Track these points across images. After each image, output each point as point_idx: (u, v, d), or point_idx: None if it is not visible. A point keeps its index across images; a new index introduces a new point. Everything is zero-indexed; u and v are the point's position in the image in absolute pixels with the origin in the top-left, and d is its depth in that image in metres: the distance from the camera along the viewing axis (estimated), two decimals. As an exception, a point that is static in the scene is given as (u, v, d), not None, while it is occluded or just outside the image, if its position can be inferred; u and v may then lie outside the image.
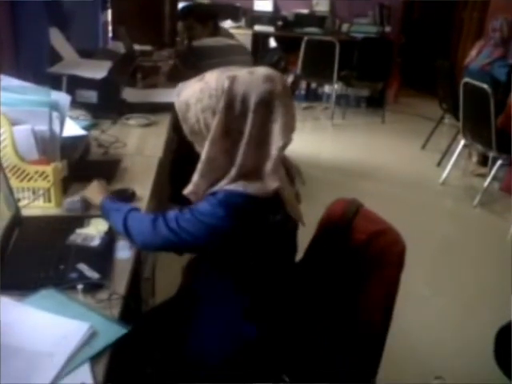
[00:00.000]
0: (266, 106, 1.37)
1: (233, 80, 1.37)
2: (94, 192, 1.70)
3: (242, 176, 1.39)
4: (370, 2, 6.96)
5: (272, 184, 1.40)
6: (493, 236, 3.97)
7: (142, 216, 1.53)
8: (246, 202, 1.38)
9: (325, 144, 5.60)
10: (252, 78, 1.38)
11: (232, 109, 1.36)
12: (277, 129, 1.39)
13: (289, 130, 1.41)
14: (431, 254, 3.62)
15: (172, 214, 1.44)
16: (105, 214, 1.59)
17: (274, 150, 1.39)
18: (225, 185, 1.40)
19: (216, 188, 1.40)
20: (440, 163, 5.11)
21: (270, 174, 1.40)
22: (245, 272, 1.49)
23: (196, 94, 1.40)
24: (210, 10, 3.88)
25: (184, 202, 1.86)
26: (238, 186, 1.38)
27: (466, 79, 4.44)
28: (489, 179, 4.37)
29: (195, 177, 1.43)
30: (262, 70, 1.42)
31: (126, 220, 1.50)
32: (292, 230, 1.58)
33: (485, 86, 4.15)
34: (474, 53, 5.17)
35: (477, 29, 7.55)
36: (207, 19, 3.55)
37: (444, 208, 4.45)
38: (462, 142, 4.69)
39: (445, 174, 4.76)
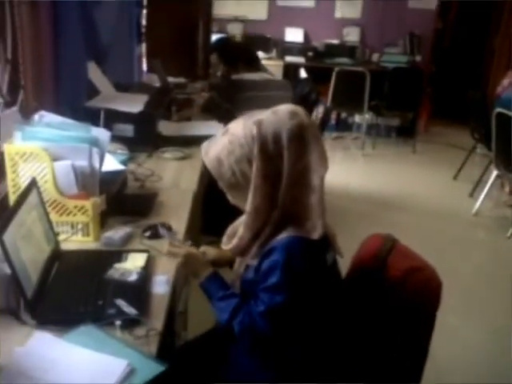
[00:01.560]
0: (298, 140, 1.38)
1: (260, 124, 1.38)
2: (194, 265, 1.58)
3: (286, 217, 1.39)
4: (401, 31, 6.99)
5: (321, 221, 1.40)
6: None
7: (246, 321, 1.43)
8: (307, 248, 1.38)
9: (355, 174, 5.58)
10: (278, 118, 1.40)
11: (266, 152, 1.37)
12: (314, 159, 1.39)
13: (324, 158, 1.42)
14: (464, 285, 3.56)
15: (260, 301, 1.40)
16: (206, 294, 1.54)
17: (315, 181, 1.39)
18: (270, 232, 1.39)
19: (263, 238, 1.40)
20: (472, 194, 5.05)
21: (315, 208, 1.40)
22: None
23: (226, 147, 1.40)
24: (247, 47, 3.89)
25: (215, 233, 1.87)
26: (290, 233, 1.37)
27: (499, 109, 4.41)
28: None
29: (241, 230, 1.42)
30: (284, 108, 1.43)
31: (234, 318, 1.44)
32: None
33: (518, 116, 4.12)
34: (506, 82, 5.14)
35: (508, 57, 7.51)
36: (243, 56, 3.58)
37: (477, 239, 4.39)
38: (495, 173, 4.64)
39: (477, 205, 4.70)
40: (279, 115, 1.41)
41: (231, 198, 1.49)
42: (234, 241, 1.45)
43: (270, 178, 1.38)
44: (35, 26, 2.35)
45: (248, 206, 1.39)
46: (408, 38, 7.00)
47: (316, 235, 1.38)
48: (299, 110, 1.44)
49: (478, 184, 5.03)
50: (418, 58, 6.92)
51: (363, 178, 5.51)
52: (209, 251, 1.70)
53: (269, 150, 1.37)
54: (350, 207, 4.62)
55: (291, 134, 1.37)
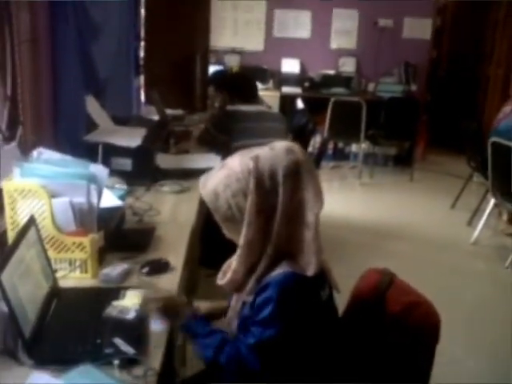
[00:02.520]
0: (294, 176, 1.40)
1: (257, 159, 1.41)
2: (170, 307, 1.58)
3: (280, 252, 1.40)
4: (396, 60, 7.07)
5: (316, 257, 1.40)
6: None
7: (234, 350, 1.43)
8: (302, 284, 1.39)
9: (353, 204, 5.59)
10: (274, 154, 1.42)
11: (262, 187, 1.39)
12: (309, 196, 1.41)
13: (320, 194, 1.43)
14: (463, 315, 3.54)
15: (250, 335, 1.40)
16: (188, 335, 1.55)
17: (310, 217, 1.41)
18: (265, 265, 1.40)
19: (258, 273, 1.41)
20: (470, 222, 5.05)
21: (310, 244, 1.41)
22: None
23: (223, 181, 1.42)
24: (244, 79, 3.93)
25: (214, 265, 1.87)
26: (285, 269, 1.38)
27: (494, 138, 4.44)
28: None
29: (234, 264, 1.44)
30: (281, 144, 1.46)
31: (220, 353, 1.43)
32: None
33: (512, 145, 4.15)
34: (507, 109, 5.17)
35: (503, 85, 7.60)
36: (239, 87, 3.62)
37: (475, 269, 4.37)
38: (492, 201, 4.65)
39: (475, 234, 4.70)
40: (276, 151, 1.43)
41: (226, 232, 1.50)
42: (229, 275, 1.46)
43: (264, 212, 1.39)
44: (34, 63, 2.39)
45: (241, 239, 1.41)
46: (403, 67, 7.09)
47: (311, 272, 1.39)
48: (295, 146, 1.47)
49: (476, 213, 5.04)
50: (414, 88, 6.99)
51: (361, 207, 5.51)
52: (201, 305, 1.71)
53: (264, 186, 1.39)
54: (348, 237, 4.62)
55: (287, 171, 1.40)
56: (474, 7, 7.97)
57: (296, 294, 1.38)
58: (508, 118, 5.05)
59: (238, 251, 1.43)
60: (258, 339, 1.38)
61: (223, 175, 1.43)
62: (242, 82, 3.75)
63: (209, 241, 2.98)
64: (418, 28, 7.20)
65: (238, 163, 1.43)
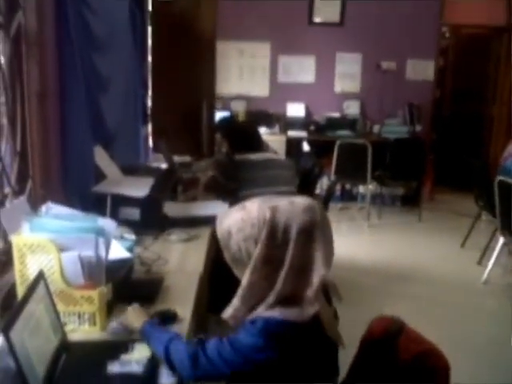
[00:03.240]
0: (307, 235, 1.41)
1: (274, 210, 1.42)
2: (133, 317, 1.73)
3: (281, 302, 1.42)
4: (399, 102, 7.15)
5: (311, 309, 1.42)
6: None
7: (183, 347, 1.53)
8: (286, 330, 1.39)
9: (361, 245, 5.58)
10: (293, 209, 1.44)
11: (274, 238, 1.41)
12: (319, 258, 1.42)
13: (329, 259, 1.45)
14: (476, 355, 3.49)
15: (212, 345, 1.46)
16: (146, 340, 1.62)
17: (315, 278, 1.41)
18: (263, 311, 1.42)
19: (254, 315, 1.42)
20: (481, 261, 5.02)
21: (309, 301, 1.42)
22: None
23: (238, 224, 1.45)
24: (250, 129, 3.98)
25: (222, 311, 1.87)
26: (276, 313, 1.40)
27: (500, 177, 4.45)
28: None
29: (235, 301, 1.46)
30: (301, 201, 1.47)
31: (167, 351, 1.52)
32: (332, 351, 1.57)
33: (520, 184, 4.15)
34: (512, 148, 5.21)
35: (507, 123, 7.66)
36: (246, 137, 3.66)
37: (487, 308, 4.32)
38: (502, 240, 4.63)
39: (486, 273, 4.67)
40: (295, 207, 1.45)
41: (233, 269, 1.52)
42: (230, 310, 1.47)
43: (271, 263, 1.41)
44: (43, 117, 2.44)
45: (244, 280, 1.44)
46: (407, 108, 7.16)
47: (301, 320, 1.40)
48: (316, 206, 1.48)
49: (486, 251, 5.00)
50: (419, 128, 7.04)
51: (370, 249, 5.49)
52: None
53: (276, 238, 1.41)
54: (357, 280, 4.59)
55: (301, 228, 1.41)
56: (475, 46, 8.09)
57: (276, 337, 1.39)
58: (515, 155, 5.08)
59: (240, 291, 1.45)
60: (209, 351, 1.45)
61: (240, 217, 1.46)
62: (245, 132, 3.79)
63: (217, 287, 2.99)
64: (421, 69, 7.32)
65: (256, 209, 1.45)
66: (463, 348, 3.56)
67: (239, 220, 1.45)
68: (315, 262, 1.42)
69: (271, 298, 1.42)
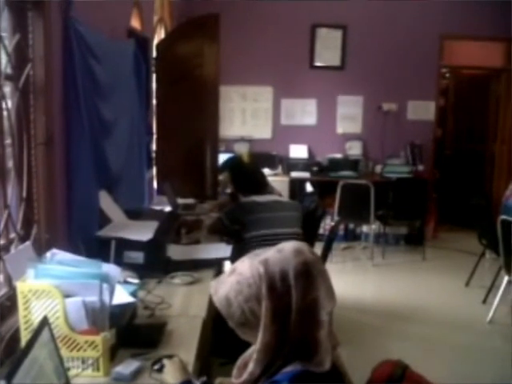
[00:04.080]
0: (305, 277, 1.42)
1: (266, 263, 1.42)
2: (170, 372, 1.72)
3: (297, 353, 1.40)
4: (401, 142, 7.24)
5: (329, 357, 1.41)
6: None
7: None
8: (312, 381, 1.38)
9: (366, 285, 5.57)
10: (283, 256, 1.43)
11: (275, 290, 1.39)
12: (322, 294, 1.42)
13: (331, 292, 1.45)
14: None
15: None
16: None
17: (324, 316, 1.41)
18: (279, 366, 1.40)
19: (271, 372, 1.40)
20: (485, 300, 5.00)
21: (324, 342, 1.41)
22: None
23: (234, 287, 1.43)
24: (256, 171, 4.02)
25: (226, 354, 1.87)
26: (298, 367, 1.38)
27: (503, 217, 4.47)
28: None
29: (251, 367, 1.42)
30: (289, 246, 1.47)
31: None
32: None
33: (523, 222, 4.17)
34: (514, 186, 5.24)
35: (508, 161, 7.71)
36: (252, 180, 3.70)
37: (493, 349, 4.28)
38: (506, 278, 4.61)
39: (491, 312, 4.64)
40: (284, 253, 1.45)
41: (241, 334, 1.51)
42: (245, 376, 1.45)
43: (279, 315, 1.40)
44: (49, 164, 2.49)
45: (258, 343, 1.40)
46: (409, 148, 7.24)
47: (323, 369, 1.39)
48: (304, 247, 1.49)
49: (491, 290, 4.99)
50: (421, 167, 7.10)
51: (374, 288, 5.48)
52: (224, 381, 1.71)
53: (277, 289, 1.40)
54: (362, 320, 4.57)
55: (297, 272, 1.41)
56: (475, 87, 8.23)
57: None
58: (517, 194, 5.11)
59: (255, 355, 1.41)
60: None
61: (234, 281, 1.44)
62: (251, 174, 3.83)
63: (220, 330, 2.98)
64: (422, 110, 7.42)
65: (248, 268, 1.44)
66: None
67: (234, 284, 1.43)
68: (320, 300, 1.42)
69: (286, 350, 1.39)
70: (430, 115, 7.47)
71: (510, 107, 7.70)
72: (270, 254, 1.46)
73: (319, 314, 1.41)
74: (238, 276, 1.45)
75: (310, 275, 1.43)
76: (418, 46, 7.23)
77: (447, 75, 8.55)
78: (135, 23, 4.45)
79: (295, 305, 1.40)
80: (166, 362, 1.76)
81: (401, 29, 7.17)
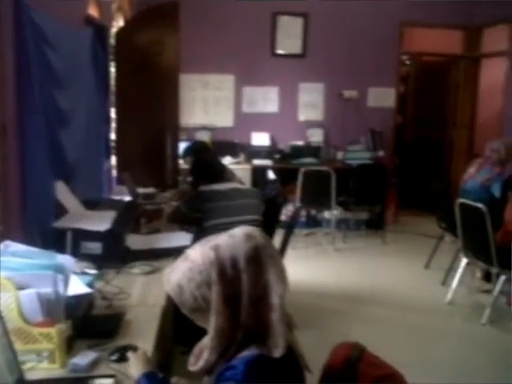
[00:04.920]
0: (255, 262, 1.43)
1: (217, 249, 1.43)
2: (133, 364, 1.69)
3: (251, 337, 1.42)
4: (362, 129, 7.32)
5: (282, 340, 1.43)
6: (505, 353, 3.90)
7: None
8: (269, 365, 1.39)
9: (328, 270, 5.62)
10: (234, 241, 1.45)
11: (225, 276, 1.41)
12: (273, 278, 1.44)
13: (283, 276, 1.47)
14: (441, 378, 3.54)
15: None
16: None
17: (275, 299, 1.43)
18: (234, 351, 1.41)
19: (227, 358, 1.41)
20: (445, 282, 5.11)
21: (277, 326, 1.43)
22: None
23: (186, 275, 1.44)
24: (214, 158, 4.02)
25: (188, 343, 1.87)
26: (253, 350, 1.40)
27: (461, 200, 4.56)
28: (494, 295, 4.37)
29: (206, 354, 1.43)
30: (240, 231, 1.49)
31: None
32: (302, 379, 1.59)
33: (479, 205, 4.25)
34: (473, 170, 5.33)
35: (467, 146, 7.88)
36: (212, 170, 3.69)
37: (452, 328, 4.38)
38: (465, 260, 4.72)
39: (450, 293, 4.75)
40: (235, 239, 1.46)
41: (196, 321, 1.51)
42: (200, 363, 1.46)
43: (230, 300, 1.41)
44: (2, 155, 2.44)
45: (211, 329, 1.42)
46: (369, 135, 7.32)
47: (278, 353, 1.41)
48: (255, 232, 1.50)
49: (450, 272, 5.10)
50: (381, 154, 7.20)
51: (336, 273, 5.54)
52: (180, 382, 1.72)
53: (227, 274, 1.42)
54: (324, 304, 4.62)
55: (248, 257, 1.42)
56: (434, 73, 8.35)
57: (260, 375, 1.39)
58: (474, 179, 5.22)
59: (209, 341, 1.42)
60: None
61: (186, 268, 1.45)
62: (209, 162, 3.82)
63: (181, 319, 2.98)
64: (382, 97, 7.51)
65: (200, 255, 1.45)
66: (429, 369, 3.61)
67: (186, 271, 1.45)
68: (271, 283, 1.43)
69: (239, 336, 1.41)
70: (390, 102, 7.57)
71: (469, 93, 7.86)
72: (222, 239, 1.47)
73: (271, 298, 1.43)
74: (189, 263, 1.46)
75: (260, 260, 1.44)
76: (379, 34, 7.30)
77: (407, 62, 8.65)
78: (93, 11, 4.37)
79: (246, 290, 1.41)
80: (130, 354, 1.74)
81: (361, 16, 7.21)
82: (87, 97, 3.79)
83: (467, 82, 7.85)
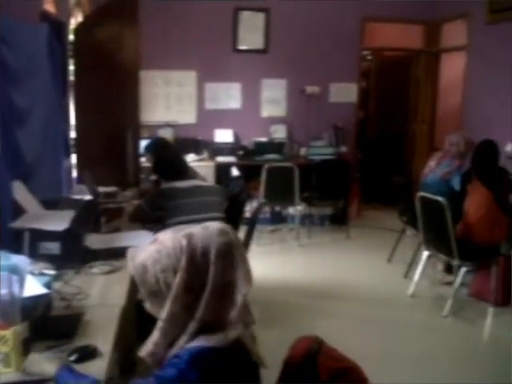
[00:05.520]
0: (225, 256, 1.44)
1: (190, 237, 1.44)
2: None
3: (203, 329, 1.41)
4: (324, 124, 7.37)
5: (234, 332, 1.43)
6: (467, 343, 4.00)
7: None
8: (211, 357, 1.39)
9: (292, 266, 5.64)
10: (207, 233, 1.46)
11: (193, 265, 1.41)
12: (239, 277, 1.44)
13: (249, 276, 1.47)
14: (405, 370, 3.58)
15: None
16: None
17: (238, 298, 1.43)
18: (185, 342, 1.40)
19: (177, 348, 1.41)
20: (407, 275, 5.18)
21: (233, 323, 1.43)
22: None
23: (153, 256, 1.44)
24: (176, 155, 3.99)
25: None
26: (200, 342, 1.39)
27: (421, 193, 4.63)
28: (455, 287, 4.45)
29: (155, 336, 1.43)
30: (215, 225, 1.50)
31: None
32: (256, 373, 1.59)
33: (439, 198, 4.32)
34: (433, 164, 5.42)
35: (428, 140, 8.01)
36: (173, 167, 3.66)
37: (415, 321, 4.44)
38: (426, 253, 4.79)
39: (412, 286, 4.82)
40: (209, 231, 1.47)
41: (149, 306, 1.50)
42: (149, 346, 1.45)
43: (192, 289, 1.41)
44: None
45: (164, 313, 1.41)
46: (332, 130, 7.38)
47: (224, 344, 1.41)
48: (229, 229, 1.52)
49: (412, 265, 5.17)
50: (344, 149, 7.26)
51: (301, 268, 5.57)
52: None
53: (196, 264, 1.42)
54: (289, 300, 4.64)
55: (219, 251, 1.43)
56: (396, 67, 8.46)
57: (204, 367, 1.38)
58: (434, 172, 5.31)
59: (161, 324, 1.42)
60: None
61: (154, 250, 1.45)
62: (171, 160, 3.79)
63: (145, 318, 2.95)
64: (344, 92, 7.58)
65: (171, 239, 1.45)
66: (392, 361, 3.66)
67: (154, 252, 1.44)
68: (237, 281, 1.44)
69: (192, 327, 1.41)
70: (352, 97, 7.64)
71: (430, 88, 7.98)
72: (195, 229, 1.48)
73: (234, 295, 1.43)
74: (158, 245, 1.45)
75: (231, 256, 1.45)
76: (340, 29, 7.36)
77: (369, 57, 8.75)
78: (49, 7, 4.29)
79: (212, 282, 1.41)
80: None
81: (323, 12, 7.24)
82: (44, 95, 3.71)
83: (428, 76, 7.98)
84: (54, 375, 1.60)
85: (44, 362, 1.71)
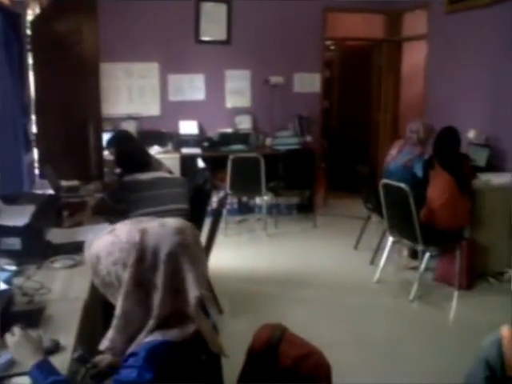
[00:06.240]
0: (176, 257, 1.41)
1: (144, 233, 1.41)
2: (23, 352, 1.61)
3: (160, 325, 1.40)
4: (289, 114, 7.38)
5: (191, 326, 1.42)
6: (433, 326, 4.08)
7: None
8: (170, 352, 1.38)
9: (260, 255, 5.66)
10: (163, 231, 1.43)
11: (143, 262, 1.39)
12: (191, 279, 1.41)
13: (202, 279, 1.44)
14: (374, 354, 3.63)
15: None
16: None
17: (192, 299, 1.41)
18: (143, 338, 1.39)
19: (136, 344, 1.40)
20: (373, 261, 5.25)
21: (193, 316, 1.42)
22: None
23: (107, 247, 1.42)
24: (138, 147, 3.95)
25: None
26: (156, 337, 1.38)
27: (384, 181, 4.69)
28: (420, 272, 4.52)
29: (110, 332, 1.42)
30: (173, 223, 1.47)
31: None
32: (217, 364, 1.59)
33: (402, 185, 4.39)
34: (394, 152, 5.47)
35: (392, 129, 8.10)
36: (135, 159, 3.62)
37: (381, 306, 4.51)
38: (391, 239, 4.86)
39: (378, 272, 4.89)
40: (165, 229, 1.44)
41: (109, 296, 1.48)
42: (105, 342, 1.43)
43: (142, 286, 1.39)
44: None
45: (117, 309, 1.40)
46: (297, 120, 7.39)
47: (181, 338, 1.40)
48: (188, 228, 1.48)
49: (377, 251, 5.24)
50: (309, 139, 7.29)
51: (269, 258, 5.59)
52: (104, 359, 1.69)
53: (145, 261, 1.40)
54: (257, 290, 4.66)
55: (170, 252, 1.40)
56: (358, 56, 8.52)
57: (162, 362, 1.37)
58: (396, 160, 5.37)
59: (114, 321, 1.41)
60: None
61: (109, 241, 1.43)
62: (133, 152, 3.75)
63: (111, 311, 2.93)
64: (308, 82, 7.60)
65: (126, 233, 1.43)
66: (360, 346, 3.71)
67: (108, 244, 1.43)
68: (187, 282, 1.41)
69: (151, 324, 1.39)
70: (316, 87, 7.67)
71: (392, 77, 8.07)
72: (152, 225, 1.45)
73: (187, 295, 1.41)
74: (113, 237, 1.43)
75: (182, 257, 1.42)
76: (303, 19, 7.36)
77: (332, 47, 8.79)
78: (3, -2, 4.18)
79: (162, 281, 1.39)
80: (16, 331, 1.64)
81: (285, 2, 7.23)
82: (0, 88, 3.63)
83: (390, 65, 8.06)
84: (29, 369, 1.55)
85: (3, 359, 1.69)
